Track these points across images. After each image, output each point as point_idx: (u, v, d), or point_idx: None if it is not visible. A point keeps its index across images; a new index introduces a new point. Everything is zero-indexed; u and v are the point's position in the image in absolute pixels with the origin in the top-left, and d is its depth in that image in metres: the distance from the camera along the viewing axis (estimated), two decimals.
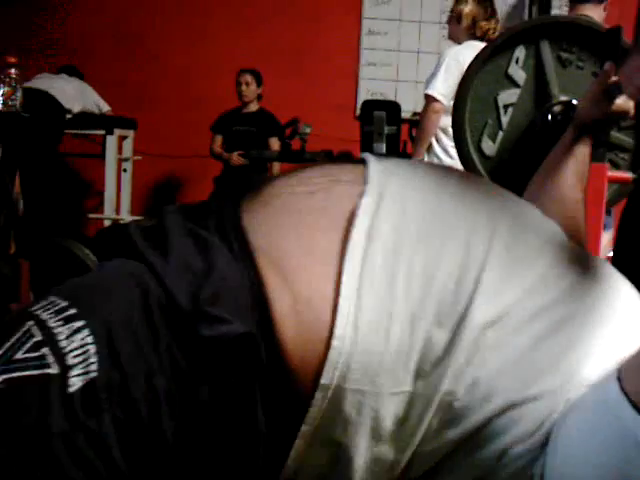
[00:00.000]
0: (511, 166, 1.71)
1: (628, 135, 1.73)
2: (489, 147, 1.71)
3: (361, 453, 0.85)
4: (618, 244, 1.42)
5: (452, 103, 3.39)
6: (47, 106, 4.62)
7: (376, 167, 0.95)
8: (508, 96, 1.71)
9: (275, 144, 5.22)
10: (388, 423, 0.84)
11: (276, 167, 5.23)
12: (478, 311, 0.85)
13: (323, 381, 0.82)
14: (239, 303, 0.82)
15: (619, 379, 0.79)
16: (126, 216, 5.41)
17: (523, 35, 1.69)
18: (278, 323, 0.82)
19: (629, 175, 1.67)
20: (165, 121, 5.76)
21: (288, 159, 4.70)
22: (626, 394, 0.77)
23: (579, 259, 0.99)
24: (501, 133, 1.71)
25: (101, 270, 0.92)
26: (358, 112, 5.15)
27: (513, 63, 1.69)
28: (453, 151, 3.35)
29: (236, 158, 5.18)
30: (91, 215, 5.59)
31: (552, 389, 0.84)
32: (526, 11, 5.81)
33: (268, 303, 0.83)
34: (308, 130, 4.59)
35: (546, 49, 1.69)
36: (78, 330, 0.79)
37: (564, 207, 1.29)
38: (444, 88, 3.37)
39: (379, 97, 5.77)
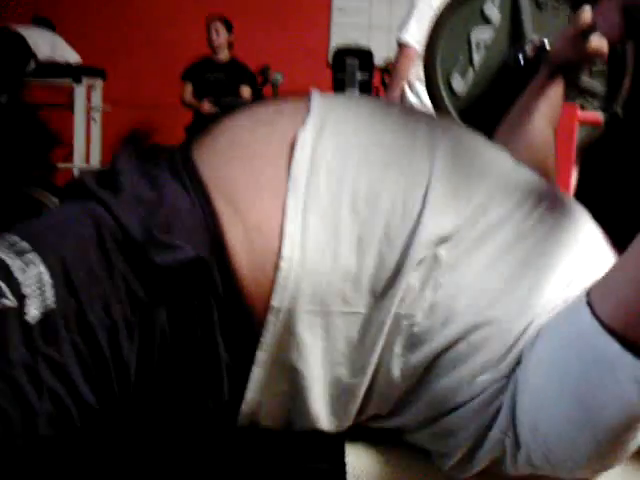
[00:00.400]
0: (480, 105, 1.69)
1: (599, 80, 1.72)
2: (459, 84, 1.69)
3: (318, 377, 0.86)
4: (580, 183, 1.42)
5: None
6: (12, 43, 4.51)
7: (319, 100, 0.96)
8: (481, 33, 1.68)
9: (246, 92, 5.16)
10: (341, 345, 0.85)
11: None
12: (427, 228, 0.85)
13: (274, 303, 0.83)
14: (191, 231, 0.84)
15: (588, 303, 0.78)
16: (96, 166, 5.35)
17: None
18: (231, 250, 0.84)
19: (599, 117, 1.66)
20: (134, 71, 5.69)
21: None
22: (598, 318, 0.76)
23: (541, 188, 0.99)
24: (472, 70, 1.68)
25: (55, 211, 0.94)
26: (330, 59, 5.11)
27: (489, 2, 1.66)
28: (427, 97, 3.34)
29: (207, 106, 5.13)
30: (60, 165, 5.52)
31: (513, 312, 0.85)
32: None
33: (220, 230, 0.84)
34: (280, 77, 4.56)
35: None
36: (33, 263, 0.80)
37: (534, 148, 1.29)
38: (417, 33, 3.32)
39: (351, 44, 5.71)
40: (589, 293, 0.80)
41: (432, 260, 0.85)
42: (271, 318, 0.83)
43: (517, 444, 0.85)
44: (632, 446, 0.82)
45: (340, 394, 0.87)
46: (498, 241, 0.88)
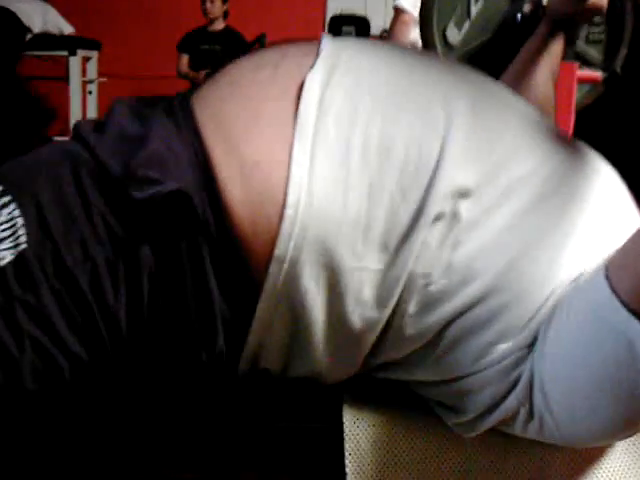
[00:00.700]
0: (474, 58, 1.67)
1: (595, 48, 1.70)
2: (454, 35, 1.66)
3: (323, 325, 0.82)
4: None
5: None
6: (5, 20, 4.47)
7: (330, 41, 0.91)
8: None
9: None
10: (349, 300, 0.81)
11: None
12: (445, 180, 0.80)
13: (277, 252, 0.79)
14: (176, 165, 0.79)
15: (607, 277, 0.75)
16: None
17: None
18: (223, 185, 0.79)
19: (599, 75, 1.64)
20: (130, 42, 5.64)
21: None
22: (616, 293, 0.73)
23: (556, 136, 0.95)
24: (468, 22, 1.65)
25: (34, 152, 0.88)
26: (327, 28, 5.06)
27: None
28: None
29: (203, 77, 5.07)
30: (57, 138, 5.49)
31: (535, 279, 0.81)
32: None
33: (211, 165, 0.80)
34: None
35: None
36: (4, 205, 0.76)
37: (535, 103, 1.26)
38: None
39: (349, 12, 5.65)
40: (608, 266, 0.76)
41: (451, 216, 0.80)
42: (274, 268, 0.79)
43: (531, 414, 0.83)
44: None
45: (345, 343, 0.84)
46: (522, 200, 0.83)
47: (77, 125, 0.87)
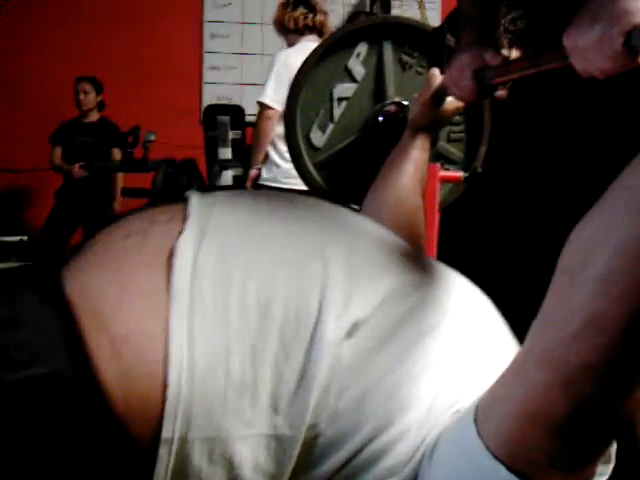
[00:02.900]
0: (339, 160, 1.69)
1: (456, 147, 1.74)
2: (318, 138, 1.68)
3: None
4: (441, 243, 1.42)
5: None
6: None
7: (197, 202, 0.89)
8: (344, 89, 1.69)
9: (117, 154, 5.06)
10: (247, 471, 0.77)
11: (120, 178, 5.07)
12: (328, 330, 0.79)
13: (165, 434, 0.74)
14: (49, 348, 0.75)
15: (475, 421, 0.73)
16: None
17: (367, 31, 1.67)
18: (96, 365, 0.74)
19: (460, 174, 1.67)
20: (1, 134, 5.49)
21: (130, 169, 4.57)
22: (482, 439, 0.71)
23: (424, 268, 0.96)
24: (331, 125, 1.68)
25: None
26: (202, 117, 5.08)
27: (354, 57, 1.67)
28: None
29: (77, 170, 4.99)
30: None
31: (418, 414, 0.79)
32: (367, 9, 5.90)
33: (82, 345, 0.75)
34: (152, 137, 4.46)
35: (388, 50, 1.67)
36: None
37: (404, 213, 1.29)
38: (275, 94, 3.42)
39: (225, 101, 5.70)
40: (477, 409, 0.74)
41: (335, 363, 0.78)
42: (163, 450, 0.74)
43: None
44: None
45: None
46: (401, 339, 0.82)
47: None
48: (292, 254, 0.85)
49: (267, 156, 3.53)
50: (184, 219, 0.86)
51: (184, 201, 0.91)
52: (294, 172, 3.44)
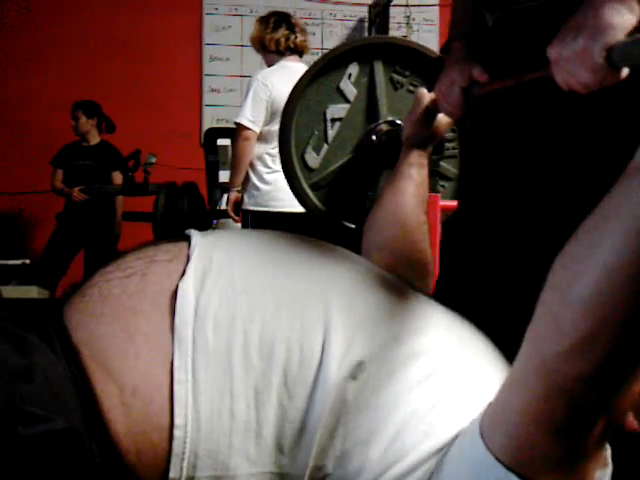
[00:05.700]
0: (335, 180, 1.69)
1: (450, 164, 1.75)
2: (312, 159, 1.69)
3: None
4: (441, 271, 1.42)
5: (264, 128, 3.39)
6: None
7: (199, 241, 0.90)
8: (337, 110, 1.69)
9: (118, 178, 5.05)
10: None
11: (120, 202, 5.06)
12: (332, 371, 0.80)
13: (172, 475, 0.76)
14: (62, 400, 0.76)
15: (482, 435, 0.74)
16: None
17: (358, 52, 1.68)
18: (107, 416, 0.76)
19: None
20: (2, 156, 5.51)
21: (131, 192, 4.58)
22: (491, 451, 0.72)
23: (421, 309, 0.97)
24: (326, 146, 1.69)
25: None
26: (202, 140, 5.09)
27: (345, 78, 1.68)
28: (269, 177, 3.39)
29: (77, 194, 4.99)
30: None
31: (422, 455, 0.79)
32: (365, 34, 5.94)
33: (94, 397, 0.77)
34: (153, 160, 4.48)
35: (379, 69, 1.68)
36: None
37: (407, 231, 1.30)
38: (253, 114, 3.40)
39: (225, 123, 5.72)
40: (481, 423, 0.76)
41: (340, 405, 0.79)
42: None
43: None
44: None
45: None
46: (405, 378, 0.83)
47: None
48: (294, 296, 0.86)
49: (246, 179, 3.49)
50: (185, 260, 0.87)
51: (184, 239, 0.92)
52: (275, 194, 3.42)
